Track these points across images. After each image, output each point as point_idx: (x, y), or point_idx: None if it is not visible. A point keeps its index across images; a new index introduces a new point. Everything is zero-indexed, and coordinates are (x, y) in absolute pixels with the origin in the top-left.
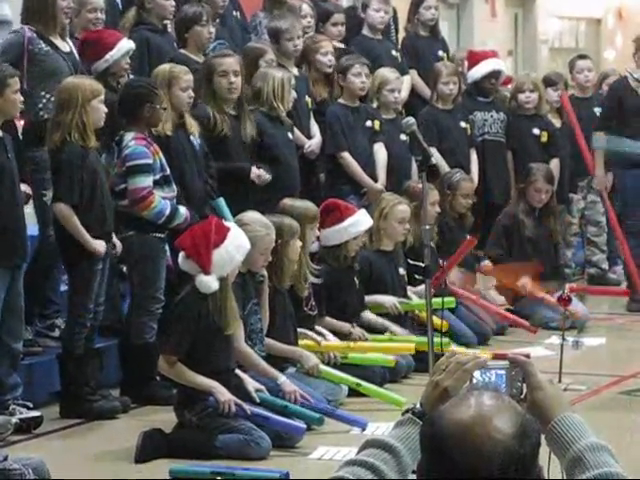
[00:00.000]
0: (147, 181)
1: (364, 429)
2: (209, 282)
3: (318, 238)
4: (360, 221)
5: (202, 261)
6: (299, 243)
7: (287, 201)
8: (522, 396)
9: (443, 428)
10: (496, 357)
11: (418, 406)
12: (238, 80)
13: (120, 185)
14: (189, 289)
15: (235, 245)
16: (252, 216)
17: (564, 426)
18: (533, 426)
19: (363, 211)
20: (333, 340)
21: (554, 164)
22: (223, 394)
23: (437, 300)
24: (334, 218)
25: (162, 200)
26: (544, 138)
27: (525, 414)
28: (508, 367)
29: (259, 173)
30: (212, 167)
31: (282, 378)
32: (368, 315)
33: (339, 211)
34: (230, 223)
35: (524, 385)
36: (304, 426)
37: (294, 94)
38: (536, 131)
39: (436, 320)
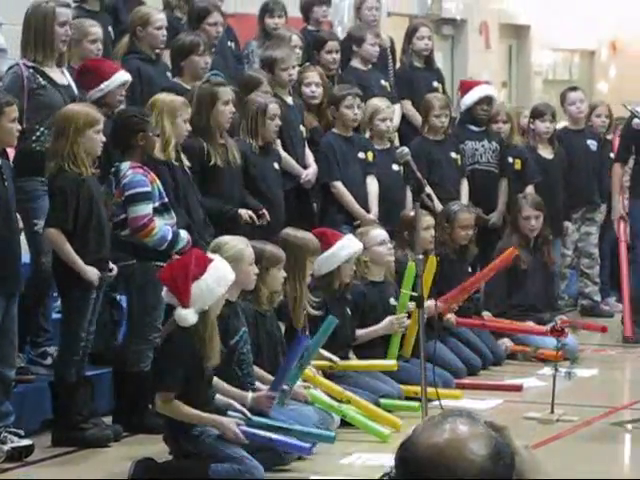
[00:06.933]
0: (147, 209)
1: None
2: (187, 315)
3: None
4: (349, 244)
5: (180, 294)
6: (283, 274)
7: (289, 231)
8: None
9: (418, 452)
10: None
11: (394, 471)
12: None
13: (120, 215)
14: (174, 323)
15: (215, 277)
16: (226, 236)
17: None
18: (506, 449)
19: (350, 235)
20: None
21: (529, 191)
22: (227, 427)
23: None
24: (324, 245)
25: (163, 226)
26: (517, 165)
27: (498, 437)
28: None
29: (250, 215)
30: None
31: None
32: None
33: (326, 237)
34: (214, 255)
35: None
36: (310, 445)
37: (277, 122)
38: (510, 159)
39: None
